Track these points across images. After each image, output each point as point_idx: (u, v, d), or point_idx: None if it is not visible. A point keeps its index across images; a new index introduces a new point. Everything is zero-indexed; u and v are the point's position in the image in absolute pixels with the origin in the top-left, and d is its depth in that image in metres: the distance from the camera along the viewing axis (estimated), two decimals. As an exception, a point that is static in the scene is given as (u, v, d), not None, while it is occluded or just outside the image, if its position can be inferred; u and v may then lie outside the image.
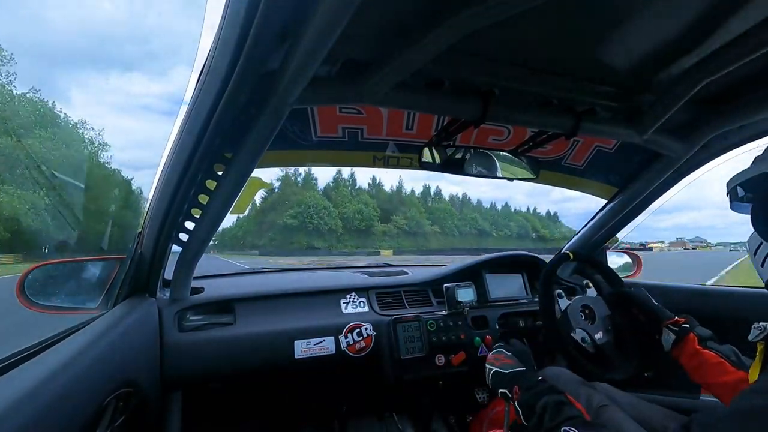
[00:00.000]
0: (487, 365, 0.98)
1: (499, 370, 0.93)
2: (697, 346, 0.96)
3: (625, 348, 1.16)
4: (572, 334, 1.14)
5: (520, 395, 0.81)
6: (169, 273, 1.23)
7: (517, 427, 0.82)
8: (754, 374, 0.74)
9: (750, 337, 0.76)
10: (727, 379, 0.87)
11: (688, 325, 1.01)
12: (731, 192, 0.80)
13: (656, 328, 1.06)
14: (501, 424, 1.15)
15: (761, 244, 0.75)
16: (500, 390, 0.88)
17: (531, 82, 0.90)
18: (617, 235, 1.70)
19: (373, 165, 1.27)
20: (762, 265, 0.74)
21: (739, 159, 1.18)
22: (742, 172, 0.77)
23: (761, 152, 0.77)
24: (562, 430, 0.67)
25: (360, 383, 1.51)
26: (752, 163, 0.77)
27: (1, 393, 0.53)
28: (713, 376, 0.91)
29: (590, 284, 1.35)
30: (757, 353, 0.74)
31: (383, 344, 1.31)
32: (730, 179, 0.80)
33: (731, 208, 0.82)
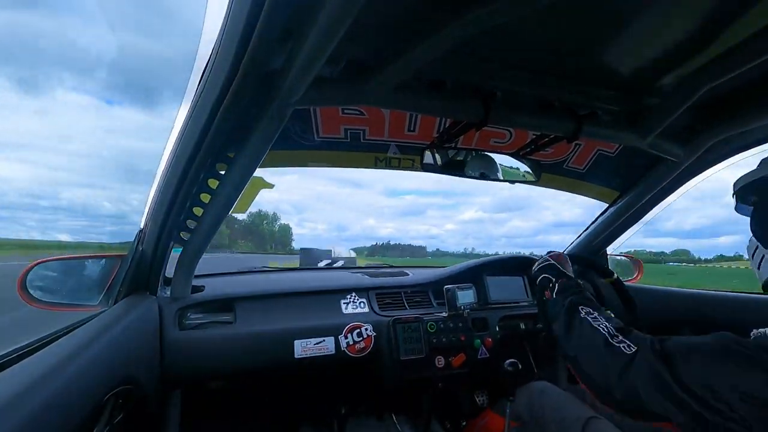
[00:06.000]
0: (546, 257, 1.07)
1: (556, 264, 1.02)
2: None
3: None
4: None
5: (565, 281, 0.94)
6: (170, 271, 1.23)
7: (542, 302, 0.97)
8: None
9: None
10: None
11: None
12: (737, 193, 0.80)
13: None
14: None
15: (758, 246, 0.74)
16: (545, 275, 0.99)
17: (533, 85, 0.90)
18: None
19: (375, 166, 1.27)
20: (759, 267, 0.74)
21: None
22: (749, 173, 0.77)
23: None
24: (579, 306, 0.82)
25: (359, 384, 1.51)
26: (759, 165, 0.77)
27: (1, 388, 0.53)
28: None
29: None
30: None
31: (383, 345, 1.31)
32: (737, 180, 0.80)
33: (736, 209, 0.82)
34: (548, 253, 1.10)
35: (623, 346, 0.68)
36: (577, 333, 0.78)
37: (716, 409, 0.54)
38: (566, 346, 0.82)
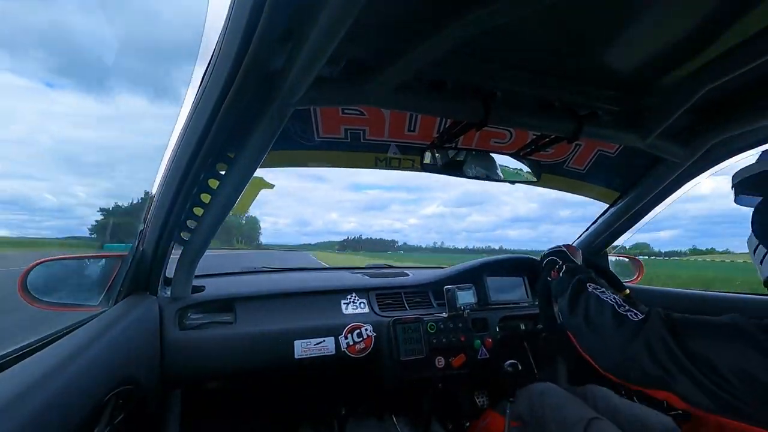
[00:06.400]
0: (559, 245, 1.05)
1: (567, 252, 1.01)
2: None
3: None
4: None
5: (572, 266, 0.94)
6: (170, 271, 1.23)
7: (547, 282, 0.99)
8: None
9: None
10: None
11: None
12: (736, 186, 0.79)
13: None
14: None
15: (759, 243, 0.74)
16: (553, 257, 0.99)
17: (533, 85, 0.90)
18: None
19: (375, 166, 1.27)
20: (761, 263, 0.74)
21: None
22: (747, 167, 0.77)
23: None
24: (587, 284, 0.82)
25: (359, 384, 1.51)
26: (757, 159, 0.77)
27: (1, 388, 0.54)
28: None
29: None
30: None
31: (383, 345, 1.31)
32: (736, 173, 0.80)
33: (735, 201, 0.82)
34: (564, 244, 1.09)
35: (630, 314, 0.69)
36: (584, 305, 0.78)
37: (715, 381, 0.54)
38: (569, 318, 0.82)
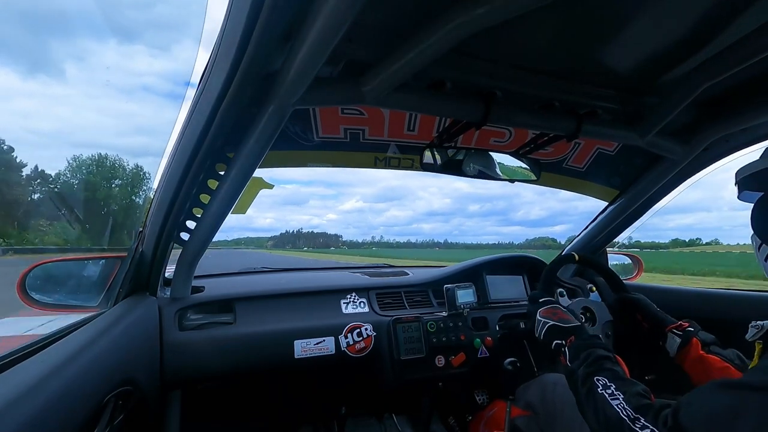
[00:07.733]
0: (541, 318, 1.00)
1: (557, 323, 0.95)
2: (701, 351, 0.96)
3: (625, 354, 1.15)
4: None
5: (574, 341, 0.88)
6: (170, 272, 1.23)
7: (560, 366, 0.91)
8: None
9: (747, 336, 0.76)
10: None
11: (692, 329, 1.00)
12: (740, 183, 0.79)
13: (660, 335, 1.04)
14: (500, 425, 1.15)
15: (762, 241, 0.74)
16: (556, 341, 0.93)
17: (532, 84, 0.90)
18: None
19: (375, 166, 1.27)
20: (766, 260, 0.74)
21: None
22: (751, 163, 0.76)
23: None
24: (595, 378, 0.75)
25: (359, 384, 1.51)
26: (761, 156, 0.76)
27: (1, 389, 0.53)
28: None
29: (594, 288, 1.35)
30: (756, 353, 0.74)
31: (383, 345, 1.31)
32: (739, 170, 0.79)
33: (739, 197, 0.81)
34: (539, 309, 1.01)
35: None
36: (601, 412, 0.73)
37: None
38: (591, 422, 0.76)
